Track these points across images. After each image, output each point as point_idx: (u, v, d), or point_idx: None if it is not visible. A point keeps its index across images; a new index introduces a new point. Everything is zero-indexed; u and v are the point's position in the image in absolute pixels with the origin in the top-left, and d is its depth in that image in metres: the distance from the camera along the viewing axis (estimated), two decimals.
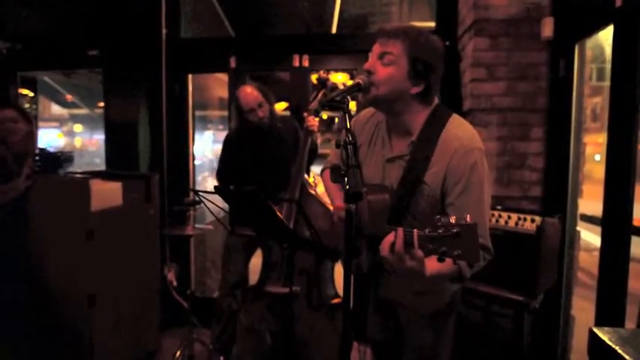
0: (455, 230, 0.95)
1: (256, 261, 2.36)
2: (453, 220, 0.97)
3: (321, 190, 2.10)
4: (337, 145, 1.12)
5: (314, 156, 2.39)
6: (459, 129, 1.27)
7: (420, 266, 1.07)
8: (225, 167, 2.52)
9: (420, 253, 1.04)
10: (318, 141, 2.61)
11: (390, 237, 1.06)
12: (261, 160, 2.41)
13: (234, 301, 2.50)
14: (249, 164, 2.41)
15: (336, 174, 1.09)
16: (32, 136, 2.56)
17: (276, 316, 2.06)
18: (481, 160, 1.24)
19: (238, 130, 2.52)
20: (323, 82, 2.10)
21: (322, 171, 1.68)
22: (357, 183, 1.03)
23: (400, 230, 1.05)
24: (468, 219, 0.96)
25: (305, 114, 2.21)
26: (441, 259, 0.99)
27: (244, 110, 2.37)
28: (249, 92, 2.36)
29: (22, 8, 3.35)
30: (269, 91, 2.44)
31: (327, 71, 2.23)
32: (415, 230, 1.02)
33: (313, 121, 2.17)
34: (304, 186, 2.12)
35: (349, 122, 1.15)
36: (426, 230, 1.00)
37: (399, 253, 1.04)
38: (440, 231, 0.97)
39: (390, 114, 1.33)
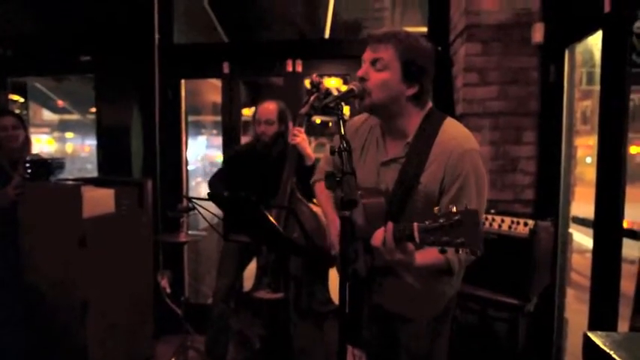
0: (456, 218, 0.95)
1: (253, 266, 2.35)
2: (453, 209, 0.96)
3: None
4: (332, 152, 1.12)
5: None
6: (455, 130, 1.29)
7: (409, 258, 1.10)
8: (219, 178, 2.49)
9: (410, 246, 1.06)
10: (312, 144, 2.59)
11: (382, 230, 1.10)
12: (255, 178, 2.35)
13: (227, 307, 2.48)
14: (244, 179, 2.38)
15: (330, 181, 1.09)
16: (28, 143, 2.55)
17: (264, 321, 2.05)
18: (478, 160, 1.25)
19: (247, 144, 2.50)
20: (316, 86, 2.10)
21: (314, 183, 1.65)
22: (352, 190, 1.03)
23: (390, 224, 1.08)
24: (468, 207, 0.96)
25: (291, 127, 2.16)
26: (443, 250, 0.99)
27: (254, 120, 2.36)
28: (266, 106, 2.33)
29: (13, 13, 3.32)
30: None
31: (321, 76, 2.23)
32: (415, 223, 1.02)
33: (297, 132, 2.10)
34: (294, 191, 2.10)
35: (343, 128, 1.15)
36: (427, 222, 1.00)
37: (389, 246, 1.07)
38: (441, 221, 0.97)
39: (385, 118, 1.34)
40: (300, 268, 2.03)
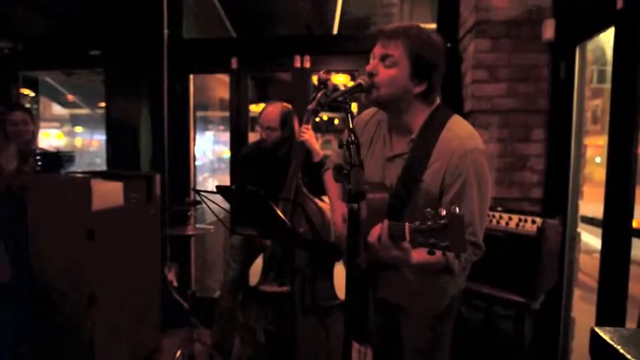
0: (443, 222, 0.96)
1: (259, 261, 2.36)
2: (442, 212, 0.98)
3: None
4: (340, 145, 1.13)
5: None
6: (459, 129, 1.28)
7: (405, 255, 1.12)
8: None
9: (406, 244, 1.07)
10: (319, 141, 2.60)
11: (379, 227, 1.12)
12: (260, 177, 2.36)
13: (234, 300, 2.50)
14: (251, 178, 2.39)
15: (338, 173, 1.09)
16: (34, 137, 2.62)
17: (270, 315, 2.06)
18: (481, 160, 1.24)
19: (252, 145, 2.51)
20: (323, 83, 2.10)
21: (324, 172, 1.67)
22: (360, 182, 1.03)
23: (386, 221, 1.10)
24: (457, 210, 0.97)
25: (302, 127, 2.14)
26: (431, 252, 1.00)
27: (258, 121, 2.36)
28: (270, 111, 2.32)
29: (24, 8, 3.36)
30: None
31: (328, 72, 2.23)
32: (406, 223, 1.04)
33: (304, 129, 2.10)
34: (300, 187, 2.11)
35: (351, 122, 1.15)
36: (417, 223, 1.02)
37: (385, 243, 1.10)
38: (429, 223, 0.99)
39: (392, 113, 1.34)
40: (305, 262, 2.04)
